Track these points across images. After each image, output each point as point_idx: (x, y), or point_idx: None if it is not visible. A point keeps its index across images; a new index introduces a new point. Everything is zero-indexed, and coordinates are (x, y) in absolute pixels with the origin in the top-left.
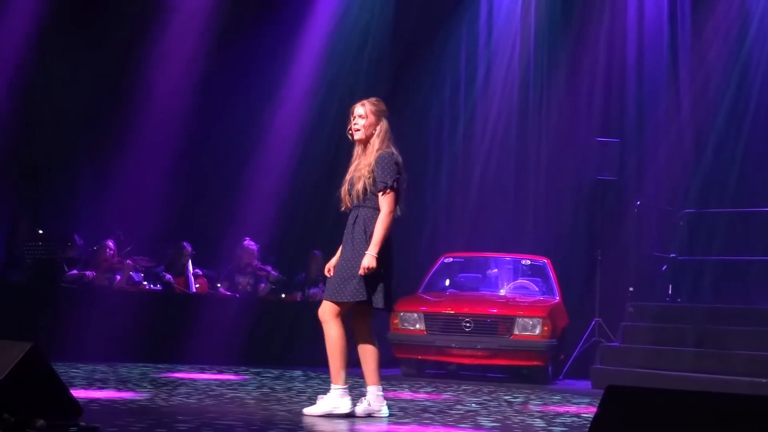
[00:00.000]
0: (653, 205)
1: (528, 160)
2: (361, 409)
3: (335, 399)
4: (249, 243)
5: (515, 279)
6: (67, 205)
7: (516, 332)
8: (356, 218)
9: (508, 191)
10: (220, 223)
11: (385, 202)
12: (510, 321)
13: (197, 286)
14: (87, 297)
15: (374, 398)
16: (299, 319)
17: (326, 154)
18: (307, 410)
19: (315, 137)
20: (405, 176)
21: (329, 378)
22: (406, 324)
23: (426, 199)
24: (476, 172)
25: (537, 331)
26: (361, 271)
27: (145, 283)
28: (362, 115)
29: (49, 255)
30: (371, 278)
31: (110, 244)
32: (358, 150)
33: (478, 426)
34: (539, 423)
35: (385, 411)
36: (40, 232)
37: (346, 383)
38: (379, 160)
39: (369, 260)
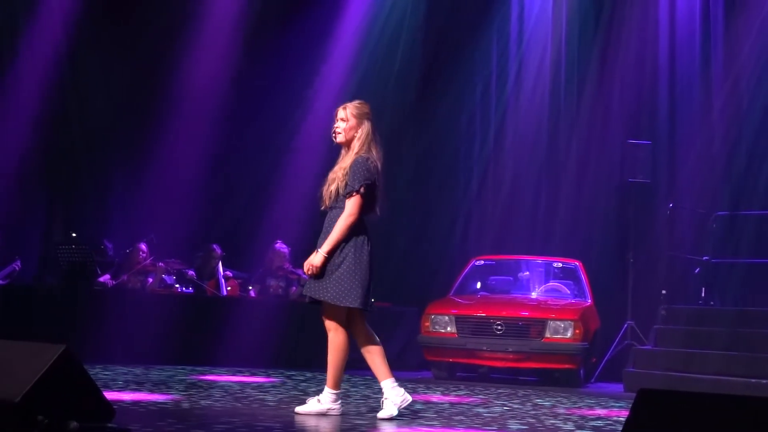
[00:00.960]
0: (685, 207)
1: (559, 162)
2: (387, 411)
3: (331, 401)
4: (280, 246)
5: (547, 282)
6: (99, 207)
7: (547, 335)
8: (331, 220)
9: (540, 193)
10: (252, 226)
11: (349, 204)
12: (541, 324)
13: (228, 288)
14: (119, 300)
15: (391, 391)
16: None
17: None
18: (300, 409)
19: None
20: (380, 180)
21: (324, 380)
22: (437, 327)
23: (457, 202)
24: (507, 175)
25: (569, 334)
26: (306, 268)
27: (177, 285)
28: (344, 118)
29: (82, 258)
30: (358, 280)
31: (143, 247)
32: (342, 152)
33: (510, 429)
34: (571, 426)
35: (408, 397)
36: (74, 235)
37: (340, 388)
38: (353, 165)
39: (318, 258)
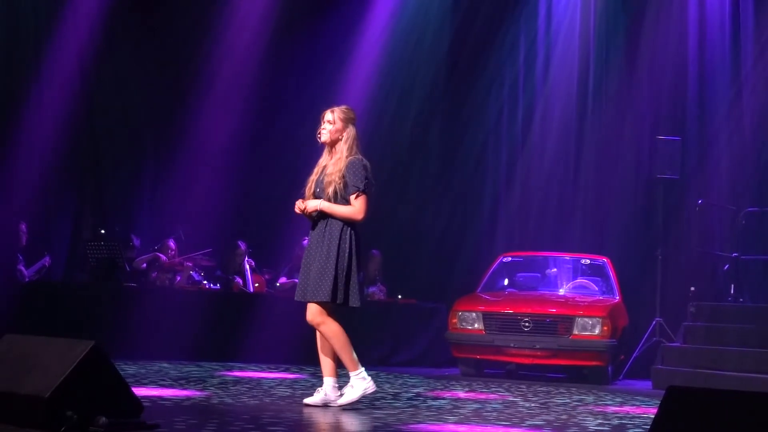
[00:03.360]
0: (715, 203)
1: (588, 158)
2: (318, 398)
3: (361, 383)
4: (308, 243)
5: (574, 278)
6: (127, 204)
7: (575, 332)
8: (327, 222)
9: (567, 190)
10: (279, 223)
11: (358, 203)
12: (569, 321)
13: (256, 285)
14: (148, 296)
15: (331, 389)
16: (357, 318)
17: (383, 153)
18: (340, 401)
19: (374, 136)
20: (373, 181)
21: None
22: (464, 323)
23: (485, 199)
24: (535, 171)
25: (597, 331)
26: (299, 204)
27: (205, 282)
28: (331, 120)
29: (110, 254)
30: (343, 278)
31: (171, 244)
32: (324, 154)
33: (537, 426)
34: (599, 423)
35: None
36: (102, 231)
37: (360, 365)
38: (350, 166)
39: (316, 204)
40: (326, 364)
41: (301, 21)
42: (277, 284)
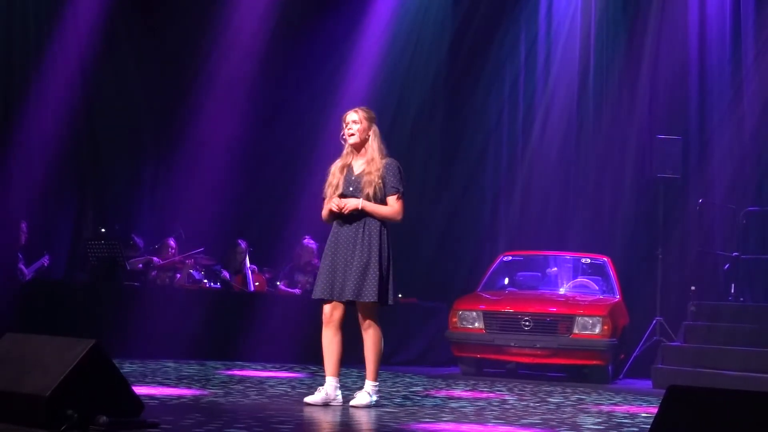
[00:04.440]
0: (715, 203)
1: (588, 158)
2: (319, 397)
3: (375, 395)
4: (309, 242)
5: (575, 277)
6: (128, 203)
7: (576, 331)
8: (365, 222)
9: (568, 189)
10: (280, 221)
11: (397, 204)
12: (570, 320)
13: (256, 284)
14: (148, 295)
15: (332, 389)
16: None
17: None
18: (353, 402)
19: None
20: (406, 183)
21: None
22: (465, 322)
23: (485, 197)
24: (536, 170)
25: (597, 330)
26: (339, 202)
27: (206, 281)
28: (356, 120)
29: (111, 254)
30: (384, 278)
31: (171, 242)
32: (348, 152)
33: (537, 425)
34: (599, 423)
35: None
36: (103, 230)
37: None
38: (388, 167)
39: (356, 204)
40: (332, 362)
41: (300, 21)
42: (278, 283)
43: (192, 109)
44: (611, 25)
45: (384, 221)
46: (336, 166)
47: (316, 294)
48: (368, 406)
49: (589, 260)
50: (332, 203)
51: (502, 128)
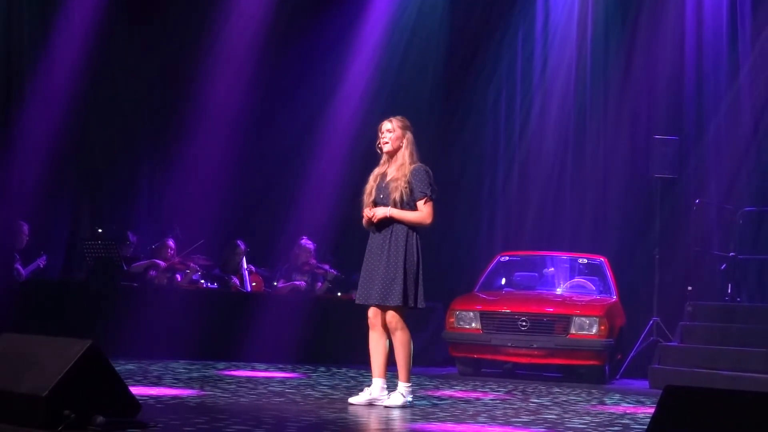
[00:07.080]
0: (712, 203)
1: (585, 158)
2: (363, 398)
3: (408, 396)
4: (306, 242)
5: (572, 278)
6: (125, 202)
7: (573, 331)
8: (392, 228)
9: (565, 189)
10: (277, 221)
11: (426, 207)
12: (567, 320)
13: (253, 284)
14: (145, 295)
15: (379, 390)
16: (356, 317)
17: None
18: (387, 402)
19: (372, 137)
20: (436, 186)
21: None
22: (462, 323)
23: (483, 198)
24: (532, 170)
25: (594, 331)
26: (369, 211)
27: (203, 281)
28: (390, 129)
29: (107, 254)
30: (412, 282)
31: (170, 243)
32: (384, 161)
33: (534, 425)
34: (596, 423)
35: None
36: (99, 230)
37: None
38: (415, 173)
39: (384, 212)
40: (379, 364)
41: (298, 22)
42: (275, 283)
43: (188, 110)
44: (608, 25)
45: (413, 226)
46: (372, 174)
47: (357, 300)
48: (403, 407)
49: (585, 260)
50: (365, 212)
51: (499, 128)
